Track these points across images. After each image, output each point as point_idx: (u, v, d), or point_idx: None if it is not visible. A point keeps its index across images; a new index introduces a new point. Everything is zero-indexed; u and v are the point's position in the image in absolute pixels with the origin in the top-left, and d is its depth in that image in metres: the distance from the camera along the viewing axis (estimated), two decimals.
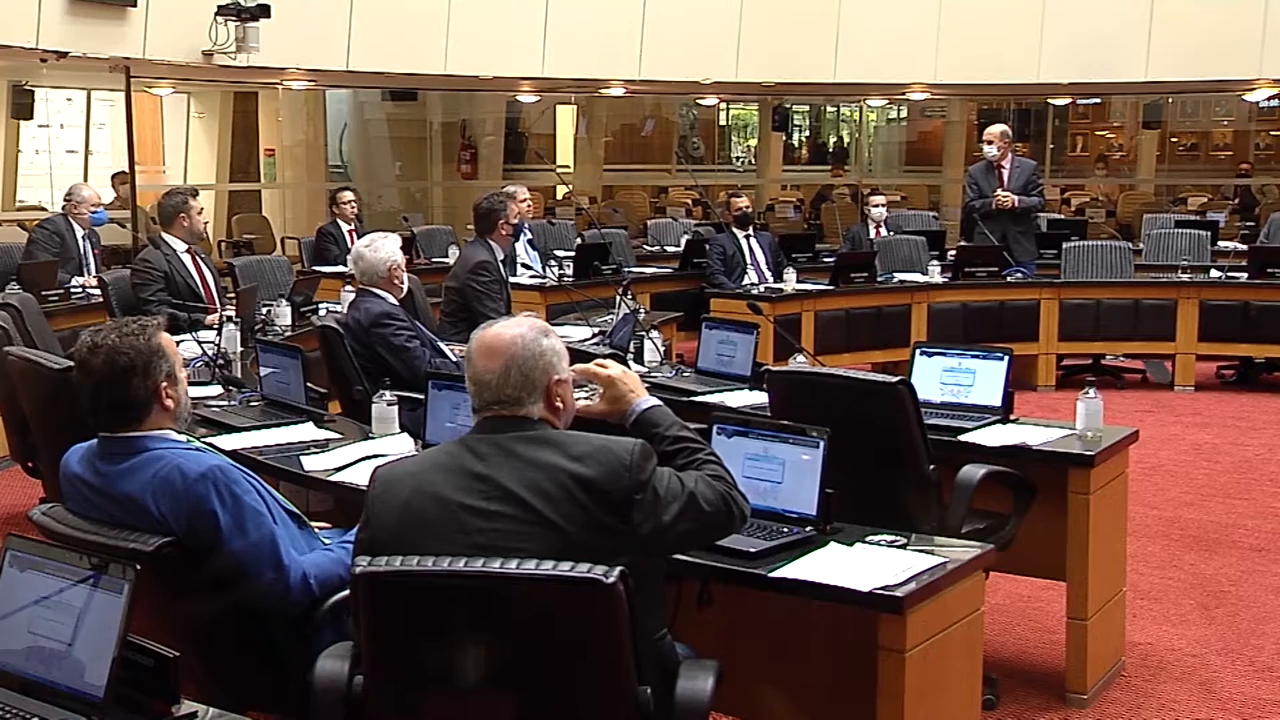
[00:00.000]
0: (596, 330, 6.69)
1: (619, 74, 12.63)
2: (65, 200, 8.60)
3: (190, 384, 2.99)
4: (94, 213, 8.41)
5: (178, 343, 3.01)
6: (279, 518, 2.90)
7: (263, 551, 2.78)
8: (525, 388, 2.55)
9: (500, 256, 6.76)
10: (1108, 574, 4.16)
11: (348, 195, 10.28)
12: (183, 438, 2.89)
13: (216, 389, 4.94)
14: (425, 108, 16.11)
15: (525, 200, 7.48)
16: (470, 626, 2.34)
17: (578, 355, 2.81)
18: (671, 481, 2.54)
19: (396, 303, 5.35)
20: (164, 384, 2.81)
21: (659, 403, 2.83)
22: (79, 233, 8.33)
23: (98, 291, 7.35)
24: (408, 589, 2.35)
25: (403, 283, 5.39)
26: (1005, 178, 9.26)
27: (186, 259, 6.72)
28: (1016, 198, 9.16)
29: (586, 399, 2.83)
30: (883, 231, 10.18)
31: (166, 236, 6.75)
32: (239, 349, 5.56)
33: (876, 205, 10.39)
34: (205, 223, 6.97)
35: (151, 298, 6.48)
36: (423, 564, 2.34)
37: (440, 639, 2.35)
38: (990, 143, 9.31)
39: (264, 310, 6.74)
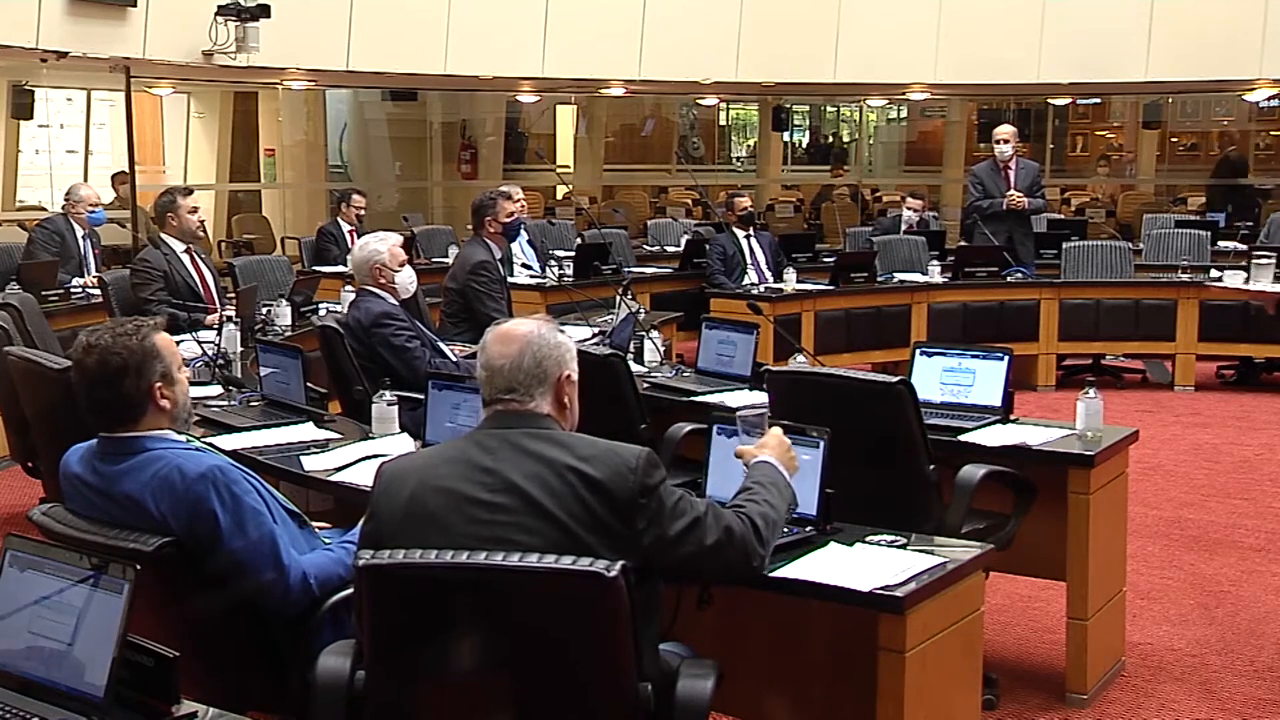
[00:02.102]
0: (596, 330, 6.69)
1: (619, 74, 12.63)
2: (65, 200, 8.60)
3: (190, 384, 2.98)
4: (91, 212, 8.38)
5: (178, 343, 3.01)
6: (279, 517, 2.90)
7: (263, 551, 2.78)
8: (537, 376, 2.56)
9: (498, 255, 6.76)
10: (1108, 574, 4.16)
11: (360, 199, 10.31)
12: (182, 438, 2.89)
13: (216, 389, 4.94)
14: (425, 108, 16.10)
15: (520, 201, 7.50)
16: (472, 619, 2.35)
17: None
18: (685, 500, 2.56)
19: (396, 303, 5.34)
20: (158, 384, 2.81)
21: (777, 465, 2.89)
22: (79, 232, 8.33)
23: (98, 292, 7.35)
24: (410, 581, 2.36)
25: (391, 282, 5.34)
26: (1012, 178, 9.25)
27: (186, 259, 6.72)
28: (1027, 199, 9.18)
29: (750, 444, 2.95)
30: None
31: (164, 236, 6.76)
32: (239, 349, 5.56)
33: (912, 209, 10.74)
34: (200, 221, 6.95)
35: (151, 297, 6.48)
36: (425, 556, 2.35)
37: (442, 632, 2.36)
38: (1006, 141, 9.30)
39: (264, 310, 6.74)
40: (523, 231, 8.94)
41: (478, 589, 2.33)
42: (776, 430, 2.97)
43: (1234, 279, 7.94)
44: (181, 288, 6.60)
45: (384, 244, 5.36)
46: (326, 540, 3.06)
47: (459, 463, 2.52)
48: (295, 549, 2.88)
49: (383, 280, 5.31)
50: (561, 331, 2.68)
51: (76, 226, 8.32)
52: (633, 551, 2.43)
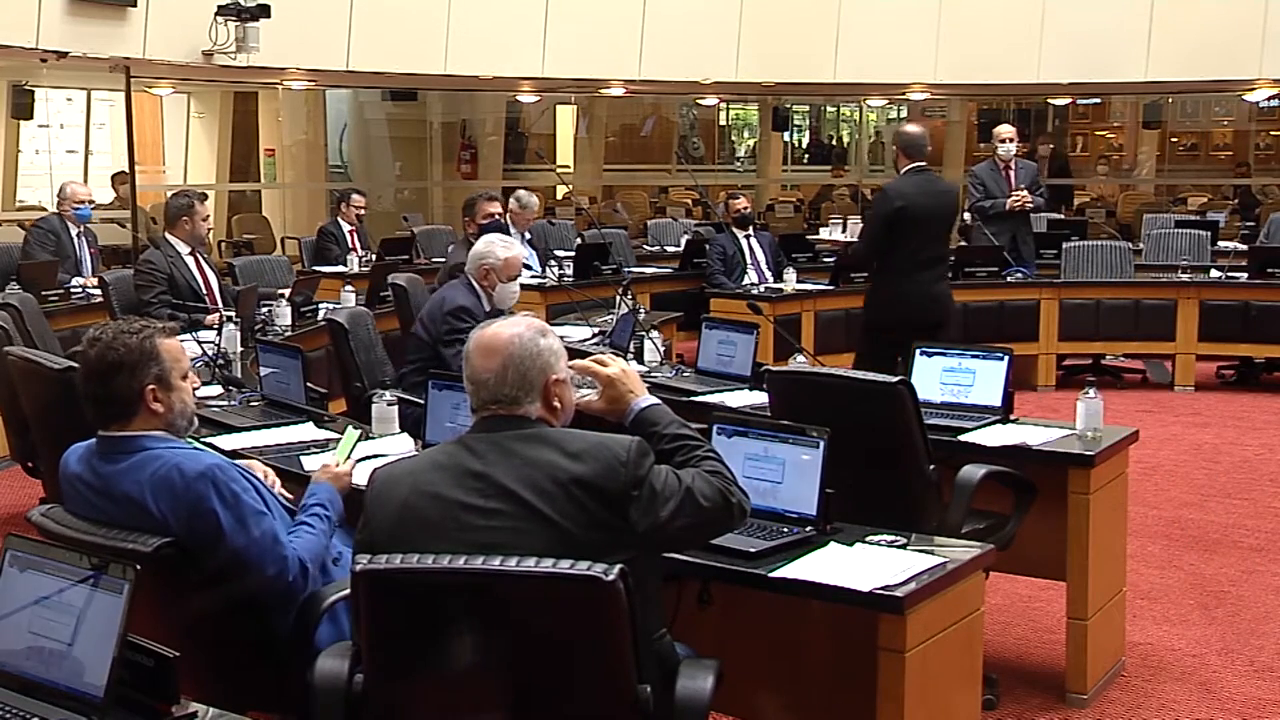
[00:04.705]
0: (596, 330, 6.70)
1: (619, 74, 12.63)
2: (58, 199, 8.56)
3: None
4: (77, 209, 8.31)
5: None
6: (277, 514, 2.93)
7: (265, 547, 2.80)
8: (522, 387, 2.55)
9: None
10: (1108, 574, 4.16)
11: (360, 199, 10.33)
12: (181, 439, 2.90)
13: (216, 389, 4.94)
14: (425, 108, 16.11)
15: (497, 208, 7.41)
16: (470, 624, 2.35)
17: (577, 355, 2.81)
18: (669, 478, 2.54)
19: (487, 305, 5.30)
20: (151, 386, 2.81)
21: (658, 401, 2.84)
22: (73, 231, 8.30)
23: (98, 291, 7.35)
24: (408, 586, 2.36)
25: (492, 287, 5.31)
26: (1014, 178, 9.24)
27: (190, 261, 6.71)
28: (1031, 198, 9.19)
29: (587, 396, 2.83)
30: None
31: (170, 237, 6.74)
32: (239, 349, 5.56)
33: None
34: (209, 229, 6.95)
35: (153, 300, 6.47)
36: (423, 561, 2.34)
37: (440, 637, 2.35)
38: (1011, 140, 9.28)
39: (264, 310, 6.74)
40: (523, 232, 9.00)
41: (476, 593, 2.33)
42: (599, 368, 2.82)
43: (832, 230, 8.58)
44: (184, 289, 6.59)
45: (507, 251, 5.37)
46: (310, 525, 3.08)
47: (450, 469, 2.51)
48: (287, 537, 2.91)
49: (485, 282, 5.31)
50: (545, 335, 2.62)
51: (71, 225, 8.30)
52: (630, 542, 2.44)
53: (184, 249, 6.70)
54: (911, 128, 6.70)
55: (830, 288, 8.90)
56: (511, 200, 9.04)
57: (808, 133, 21.27)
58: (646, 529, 2.47)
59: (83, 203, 8.41)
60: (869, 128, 18.78)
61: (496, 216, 7.12)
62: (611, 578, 2.25)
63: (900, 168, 6.49)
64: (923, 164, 6.43)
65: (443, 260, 9.74)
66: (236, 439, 4.22)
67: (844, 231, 8.36)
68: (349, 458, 3.40)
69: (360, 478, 3.60)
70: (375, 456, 3.76)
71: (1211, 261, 9.72)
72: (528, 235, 9.09)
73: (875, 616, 2.82)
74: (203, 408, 4.56)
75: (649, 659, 2.44)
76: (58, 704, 2.18)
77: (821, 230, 8.99)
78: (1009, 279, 9.08)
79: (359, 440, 3.57)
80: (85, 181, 13.28)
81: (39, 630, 2.24)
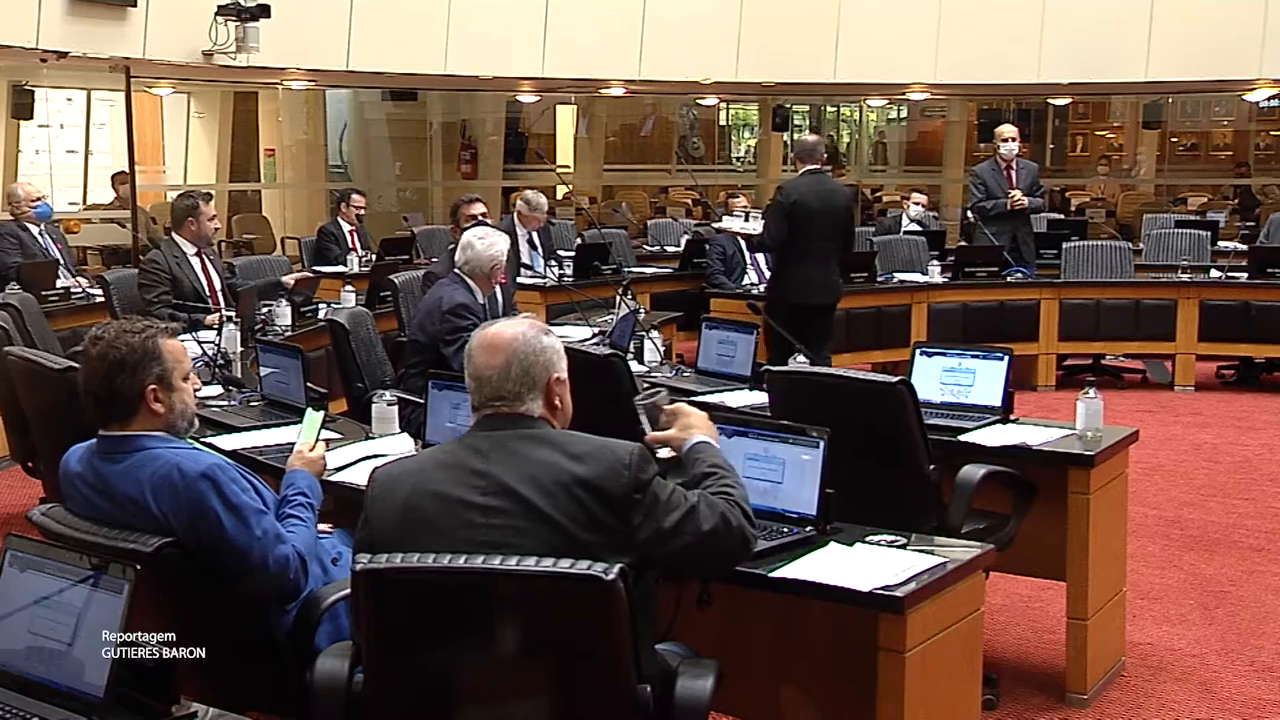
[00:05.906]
0: (596, 330, 6.69)
1: (619, 74, 12.63)
2: (8, 205, 8.41)
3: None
4: (35, 207, 8.17)
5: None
6: (273, 510, 2.95)
7: (267, 545, 2.81)
8: (525, 383, 2.56)
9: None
10: (1108, 574, 4.16)
11: (360, 199, 10.33)
12: (181, 440, 2.90)
13: (216, 389, 4.94)
14: (425, 108, 16.11)
15: (480, 209, 7.42)
16: (470, 623, 2.35)
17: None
18: (675, 492, 2.55)
19: (483, 301, 5.32)
20: (152, 386, 2.81)
21: (715, 444, 2.88)
22: (35, 231, 8.17)
23: (98, 291, 7.34)
24: (408, 585, 2.36)
25: (496, 282, 5.35)
26: (1015, 178, 9.24)
27: (195, 262, 6.71)
28: (1028, 199, 9.18)
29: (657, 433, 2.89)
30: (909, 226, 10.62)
31: (177, 238, 6.75)
32: (239, 349, 5.56)
33: (916, 204, 10.91)
34: (216, 228, 6.94)
35: (155, 300, 6.47)
36: (423, 560, 2.35)
37: (440, 636, 2.35)
38: (1013, 139, 9.28)
39: (264, 310, 6.74)
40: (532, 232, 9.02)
41: (476, 593, 2.33)
42: (689, 408, 2.92)
43: (733, 222, 8.99)
44: (187, 290, 6.59)
45: (506, 244, 5.41)
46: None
47: (452, 467, 2.51)
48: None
49: (494, 281, 5.32)
50: (547, 335, 2.65)
51: (31, 226, 8.15)
52: (630, 547, 2.43)
53: (189, 249, 6.70)
54: (808, 137, 8.31)
55: None
56: (520, 202, 9.03)
57: (808, 133, 21.27)
58: (647, 536, 2.47)
59: (37, 200, 8.22)
60: (869, 128, 18.78)
61: (480, 218, 7.14)
62: (611, 577, 2.25)
63: (799, 169, 7.50)
64: (816, 167, 7.40)
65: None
66: (236, 439, 4.22)
67: (745, 221, 9.02)
68: (317, 439, 3.41)
69: (360, 478, 3.62)
70: (375, 456, 3.77)
71: (1211, 261, 9.72)
72: (534, 234, 9.10)
73: (875, 616, 2.82)
74: (203, 408, 4.56)
75: (648, 657, 2.44)
76: (58, 704, 2.18)
77: (725, 219, 9.31)
78: (1009, 279, 9.09)
79: (323, 422, 3.57)
80: (85, 181, 13.30)
81: (39, 630, 2.24)
